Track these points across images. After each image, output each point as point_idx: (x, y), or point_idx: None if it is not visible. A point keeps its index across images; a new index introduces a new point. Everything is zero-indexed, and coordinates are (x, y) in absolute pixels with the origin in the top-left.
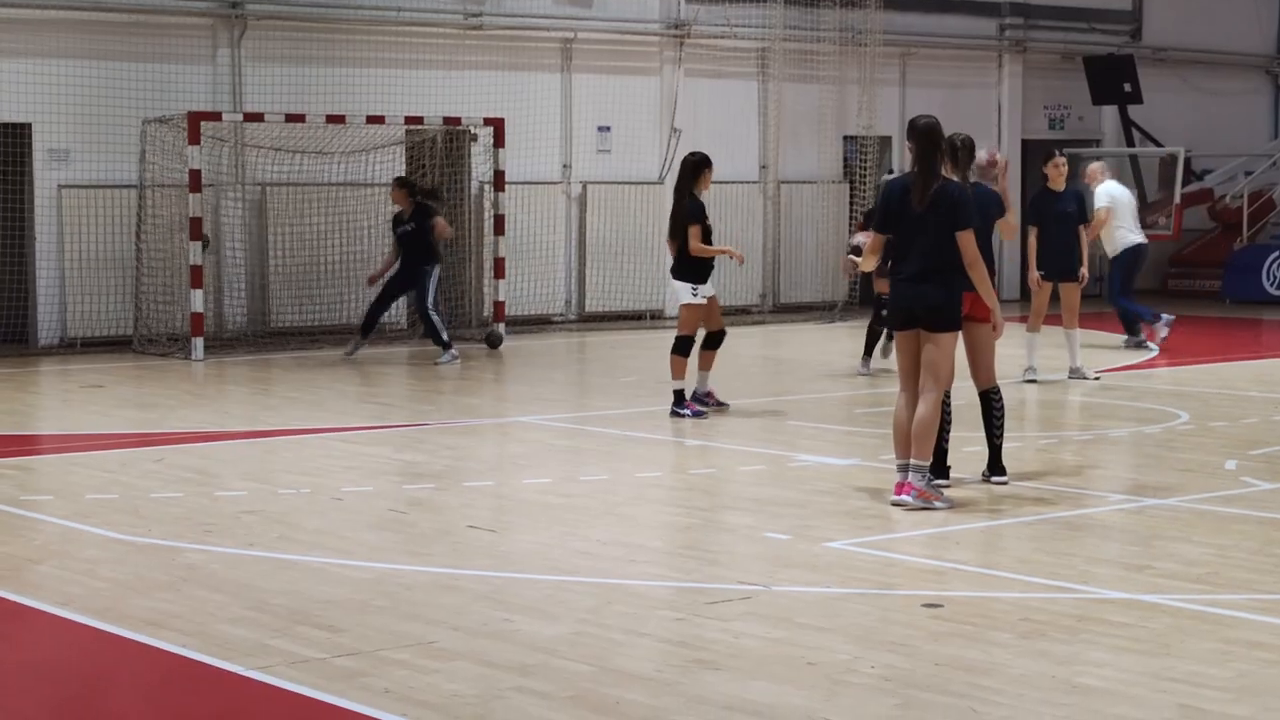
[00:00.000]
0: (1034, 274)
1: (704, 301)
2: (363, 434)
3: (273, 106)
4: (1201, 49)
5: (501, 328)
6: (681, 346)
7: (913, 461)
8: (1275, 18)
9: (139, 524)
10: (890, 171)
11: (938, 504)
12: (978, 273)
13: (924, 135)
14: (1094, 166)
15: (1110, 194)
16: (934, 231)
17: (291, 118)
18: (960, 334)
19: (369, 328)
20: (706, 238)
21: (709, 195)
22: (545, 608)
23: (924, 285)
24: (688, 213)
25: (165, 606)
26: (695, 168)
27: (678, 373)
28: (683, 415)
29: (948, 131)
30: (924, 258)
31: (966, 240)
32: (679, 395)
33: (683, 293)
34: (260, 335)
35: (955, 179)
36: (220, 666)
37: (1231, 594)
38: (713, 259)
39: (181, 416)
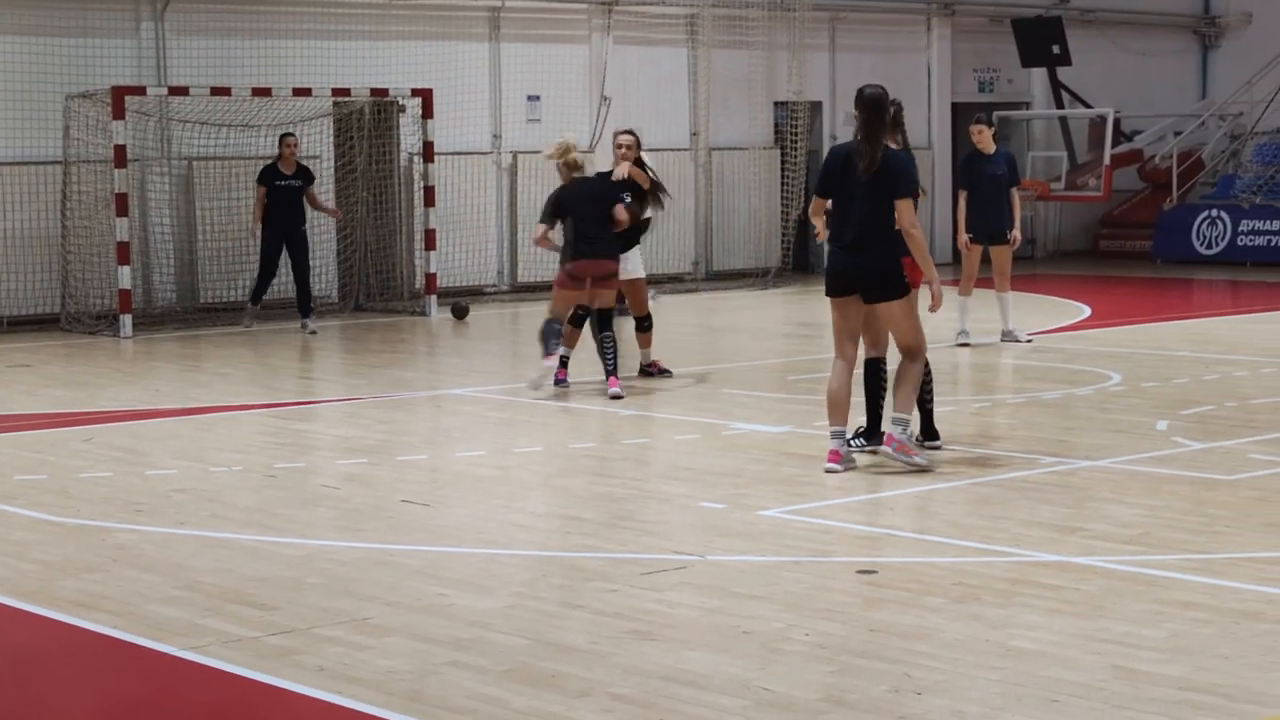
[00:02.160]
0: (963, 237)
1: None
2: (295, 409)
3: (198, 80)
4: (1129, 10)
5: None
6: (571, 316)
7: (894, 415)
8: None
9: (68, 504)
10: (834, 139)
11: (917, 458)
12: (915, 242)
13: (870, 104)
14: None
15: None
16: (875, 200)
17: (217, 91)
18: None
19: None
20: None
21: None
22: (480, 581)
23: (863, 254)
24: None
25: (95, 587)
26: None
27: (565, 340)
28: (555, 381)
29: None
30: (863, 226)
31: (905, 207)
32: (561, 360)
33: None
34: (189, 311)
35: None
36: (152, 647)
37: (1164, 554)
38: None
39: (110, 395)
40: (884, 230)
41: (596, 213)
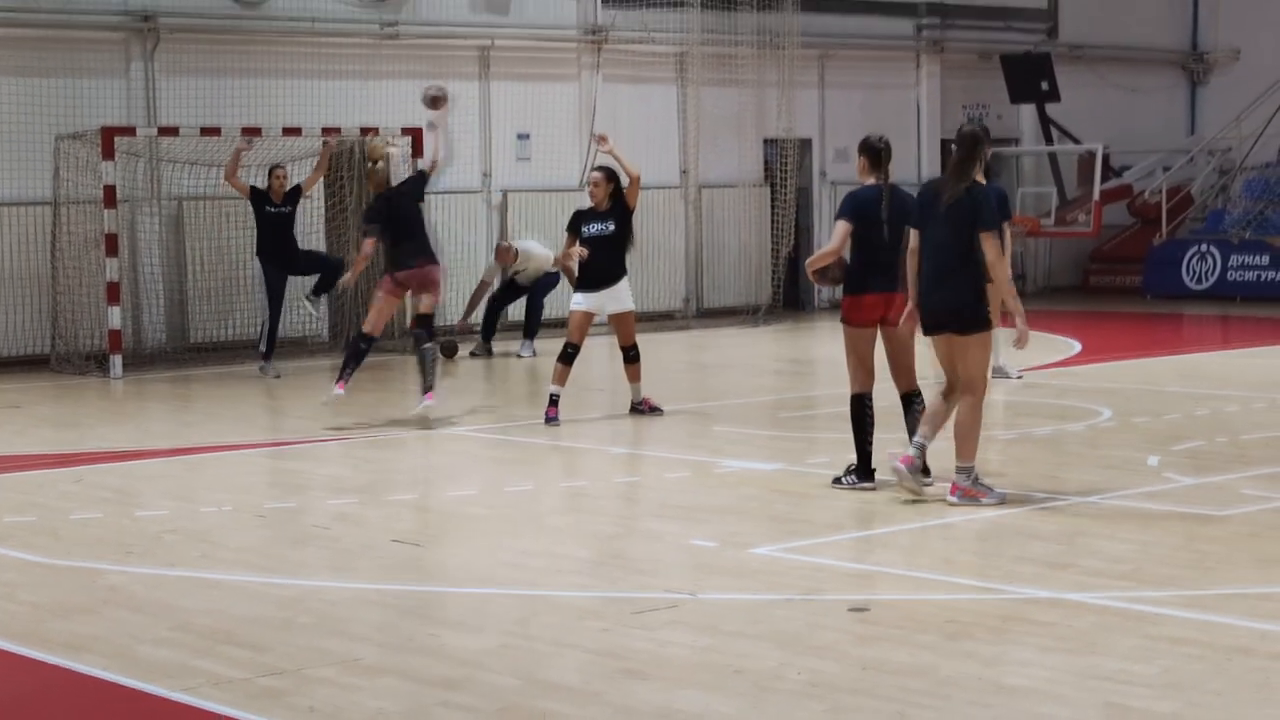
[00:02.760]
0: None
1: (574, 307)
2: (285, 449)
3: (188, 120)
4: (1118, 46)
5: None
6: (562, 354)
7: (957, 464)
8: (1189, 13)
9: (58, 545)
10: (823, 175)
11: (984, 500)
12: (999, 274)
13: (966, 141)
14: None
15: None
16: (956, 232)
17: (207, 131)
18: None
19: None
20: (584, 244)
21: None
22: (471, 621)
23: (943, 289)
24: None
25: (86, 629)
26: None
27: (555, 378)
28: (546, 420)
29: (864, 133)
30: (942, 259)
31: (987, 241)
32: (552, 398)
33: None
34: (180, 351)
35: (873, 180)
36: (143, 689)
37: (1155, 590)
38: (583, 259)
39: (100, 435)
40: (963, 263)
41: (406, 217)
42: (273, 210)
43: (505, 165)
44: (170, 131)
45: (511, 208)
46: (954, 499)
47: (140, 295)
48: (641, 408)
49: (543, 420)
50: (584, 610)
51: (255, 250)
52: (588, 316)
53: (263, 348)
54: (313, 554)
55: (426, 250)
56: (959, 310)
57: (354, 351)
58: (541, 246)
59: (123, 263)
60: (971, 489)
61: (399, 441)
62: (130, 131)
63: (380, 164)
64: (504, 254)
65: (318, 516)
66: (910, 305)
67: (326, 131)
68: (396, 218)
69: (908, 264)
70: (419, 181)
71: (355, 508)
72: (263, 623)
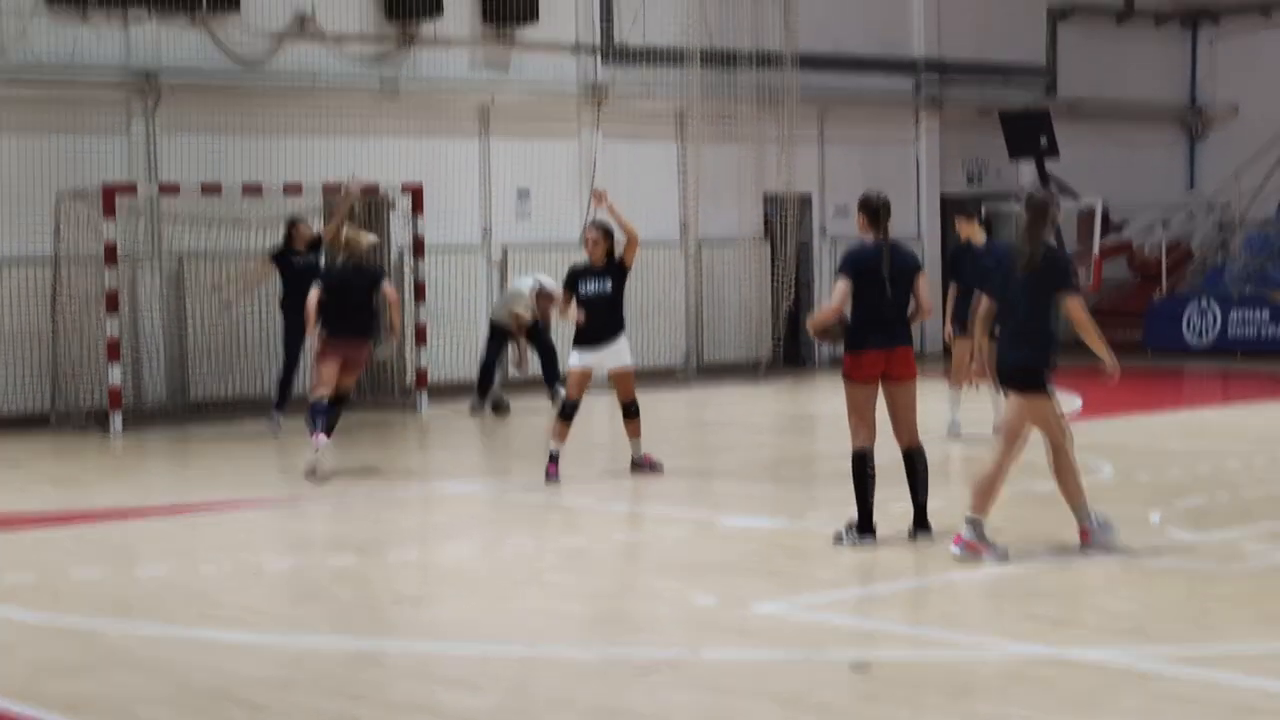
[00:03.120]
0: (947, 330)
1: (580, 366)
2: (284, 506)
3: (188, 177)
4: (1116, 102)
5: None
6: (562, 411)
7: (966, 514)
8: (1187, 69)
9: (57, 604)
10: (823, 230)
11: (986, 555)
12: (1087, 330)
13: (1035, 206)
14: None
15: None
16: (1033, 296)
17: (208, 188)
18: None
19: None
20: (578, 303)
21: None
22: (471, 679)
23: (1019, 350)
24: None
25: (85, 688)
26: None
27: (555, 435)
28: (546, 478)
29: (864, 189)
30: (1021, 323)
31: (1071, 301)
32: (552, 456)
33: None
34: (180, 408)
35: (872, 237)
36: None
37: (1159, 647)
38: (581, 324)
39: (100, 493)
40: (1039, 325)
41: (357, 294)
42: (299, 261)
43: (505, 221)
44: (171, 189)
45: (512, 263)
46: (956, 550)
47: (141, 352)
48: (642, 464)
49: (543, 478)
50: (584, 669)
51: (280, 302)
52: (586, 374)
53: (275, 397)
54: (312, 612)
55: (366, 329)
56: (1029, 370)
57: (316, 410)
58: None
59: (123, 320)
60: (975, 542)
61: (399, 499)
62: (131, 189)
63: (363, 244)
64: (550, 302)
65: (317, 574)
66: (976, 365)
67: (328, 188)
68: (348, 291)
69: (976, 327)
70: (376, 275)
71: (355, 565)
72: (262, 682)
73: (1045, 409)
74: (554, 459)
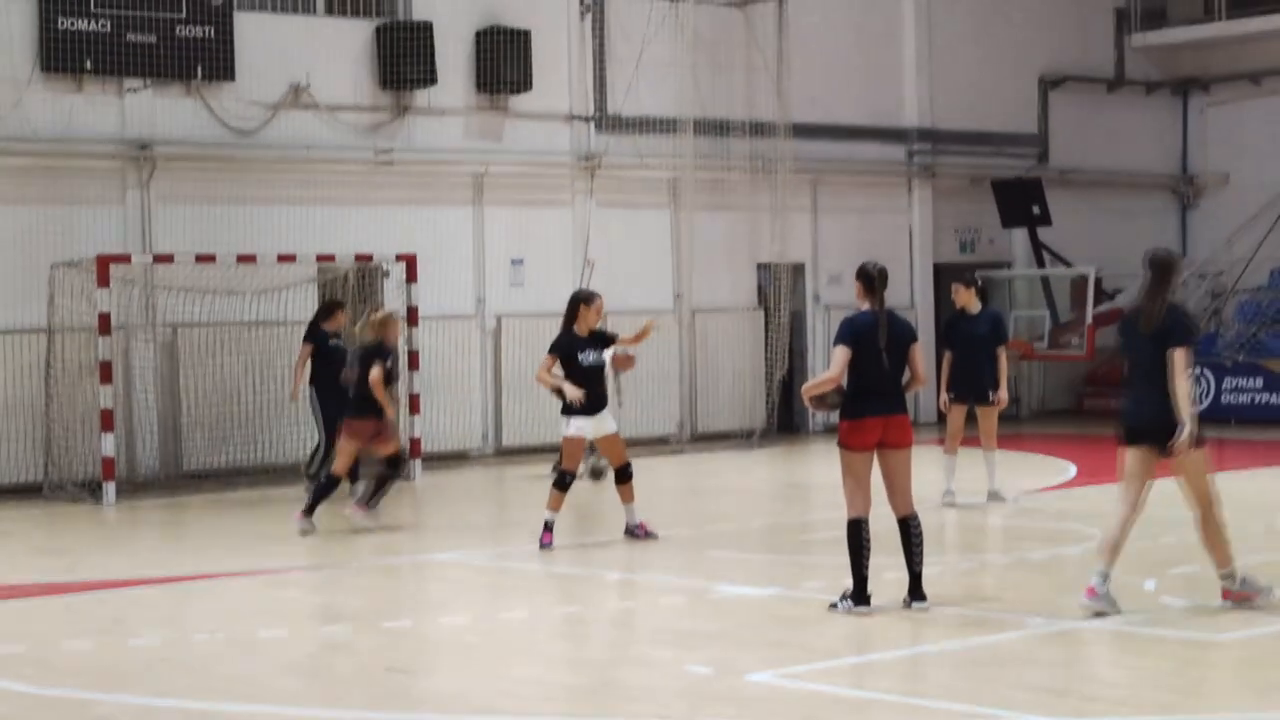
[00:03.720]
0: (943, 397)
1: (575, 434)
2: (278, 576)
3: (182, 247)
4: (1108, 170)
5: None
6: (559, 480)
7: (1218, 573)
8: (1178, 138)
9: (48, 675)
10: (817, 299)
11: (1257, 601)
12: (1180, 388)
13: (1158, 265)
14: None
15: None
16: (1158, 353)
17: (202, 258)
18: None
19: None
20: (574, 372)
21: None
22: None
23: (1152, 407)
24: (551, 345)
25: None
26: (573, 304)
27: (551, 504)
28: (541, 546)
29: (857, 257)
30: (1149, 379)
31: (1178, 355)
32: (545, 524)
33: (562, 425)
34: (173, 478)
35: (868, 306)
36: None
37: (1152, 717)
38: (591, 393)
39: (93, 563)
40: (1168, 381)
41: (360, 375)
42: (334, 344)
43: (499, 290)
44: (165, 259)
45: (505, 333)
46: (1230, 603)
47: (134, 423)
48: (637, 532)
49: (537, 546)
50: None
51: (313, 382)
52: (583, 443)
53: (313, 469)
54: (305, 683)
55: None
56: (1166, 428)
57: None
58: None
59: (117, 390)
60: (1239, 592)
61: (391, 569)
62: (125, 259)
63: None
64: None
65: (310, 645)
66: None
67: (321, 258)
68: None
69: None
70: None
71: (347, 635)
72: None
73: (1199, 463)
74: (549, 528)
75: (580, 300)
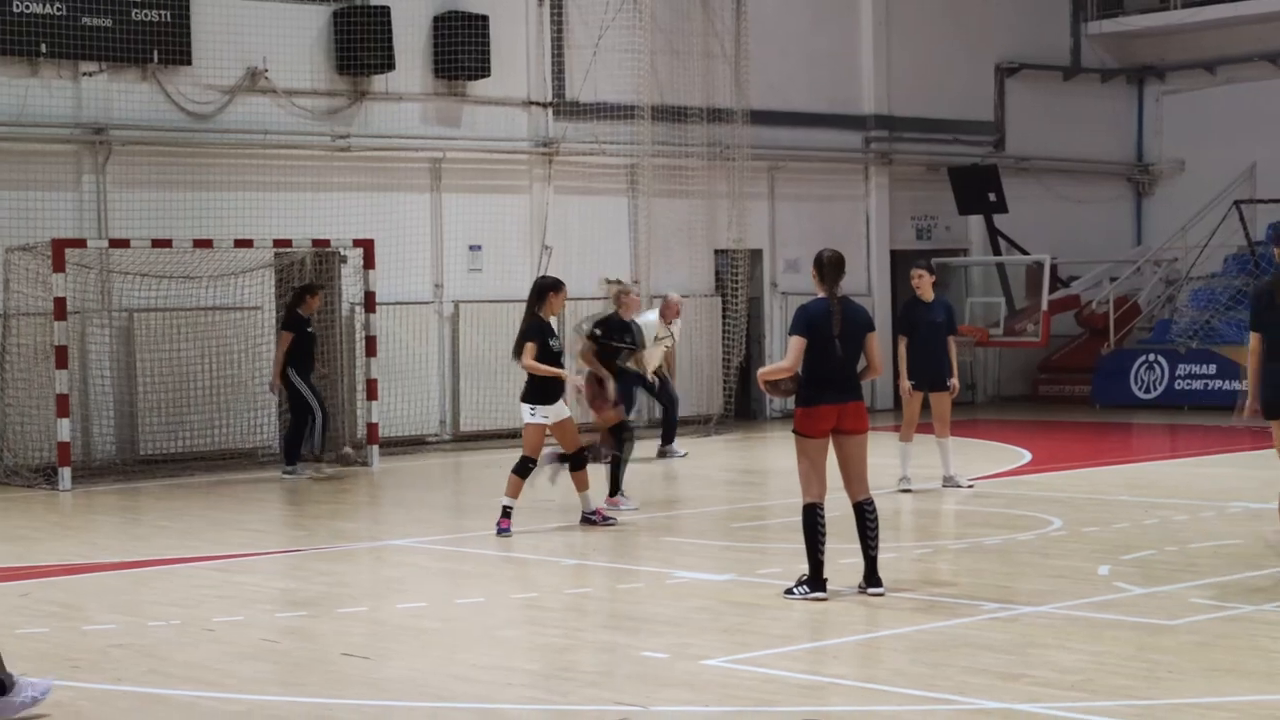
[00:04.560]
0: (904, 384)
1: (544, 421)
2: (234, 562)
3: (139, 232)
4: (1064, 158)
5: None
6: (520, 466)
7: None
8: (1134, 126)
9: (4, 661)
10: (774, 285)
11: None
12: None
13: None
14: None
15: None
16: None
17: (158, 243)
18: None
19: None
20: (548, 358)
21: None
22: None
23: None
24: (525, 332)
25: None
26: (540, 292)
27: (510, 490)
28: (498, 531)
29: (814, 243)
30: None
31: None
32: (504, 510)
33: (523, 413)
34: (130, 463)
35: (824, 294)
36: None
37: (1106, 701)
38: (560, 382)
39: (48, 549)
40: None
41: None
42: (310, 331)
43: (457, 276)
44: (121, 244)
45: (463, 318)
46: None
47: (90, 408)
48: (594, 519)
49: (494, 532)
50: None
51: (292, 364)
52: (545, 430)
53: (315, 446)
54: (262, 668)
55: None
56: None
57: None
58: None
59: (73, 375)
60: None
61: (349, 554)
62: (81, 243)
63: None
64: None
65: (267, 630)
66: (1249, 404)
67: (278, 243)
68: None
69: (1248, 364)
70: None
71: (305, 621)
72: None
73: None
74: (507, 514)
75: (549, 288)
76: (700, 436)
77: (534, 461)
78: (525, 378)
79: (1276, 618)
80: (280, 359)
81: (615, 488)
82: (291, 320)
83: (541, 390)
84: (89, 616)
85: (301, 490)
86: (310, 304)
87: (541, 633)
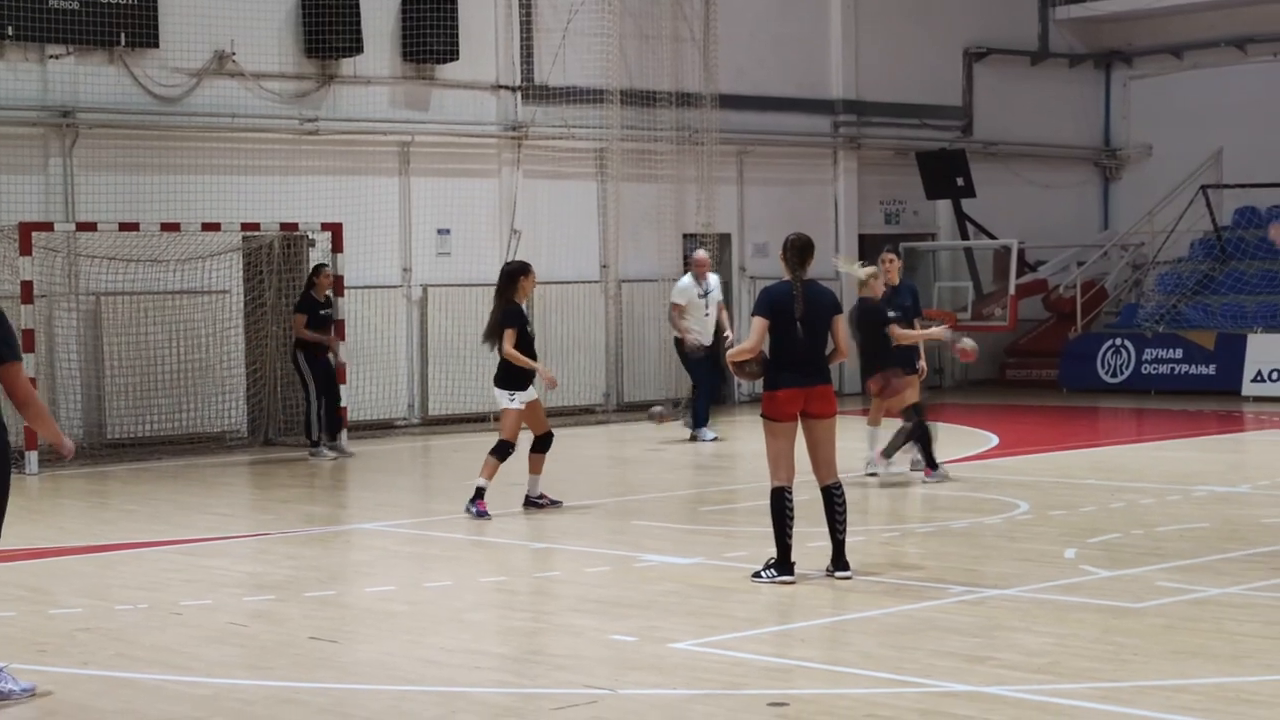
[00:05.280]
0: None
1: (522, 407)
2: (202, 546)
3: (106, 215)
4: (1031, 143)
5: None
6: (500, 450)
7: None
8: (1101, 110)
9: None
10: (743, 270)
11: None
12: None
13: None
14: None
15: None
16: None
17: (125, 226)
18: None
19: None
20: (525, 343)
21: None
22: (388, 719)
23: None
24: (503, 318)
25: None
26: (511, 276)
27: (485, 470)
28: (470, 512)
29: (782, 228)
30: None
31: None
32: (478, 490)
33: (500, 398)
34: (97, 447)
35: (790, 277)
36: None
37: (1072, 683)
38: (518, 374)
39: (14, 533)
40: None
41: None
42: (323, 312)
43: (425, 260)
44: (88, 227)
45: (431, 302)
46: None
47: (57, 391)
48: (540, 502)
49: (466, 513)
50: (502, 707)
51: (301, 347)
52: (522, 414)
53: (318, 435)
54: (229, 652)
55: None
56: None
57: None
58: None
59: (40, 359)
60: None
61: (317, 538)
62: (48, 227)
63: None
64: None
65: (234, 614)
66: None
67: (246, 227)
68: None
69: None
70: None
71: (272, 605)
72: None
73: None
74: (481, 495)
75: (519, 272)
76: (669, 421)
77: (513, 446)
78: (498, 363)
79: (1241, 600)
80: (305, 337)
81: (931, 462)
82: (304, 302)
83: (519, 376)
84: (56, 600)
85: (269, 474)
86: (321, 285)
87: (509, 616)
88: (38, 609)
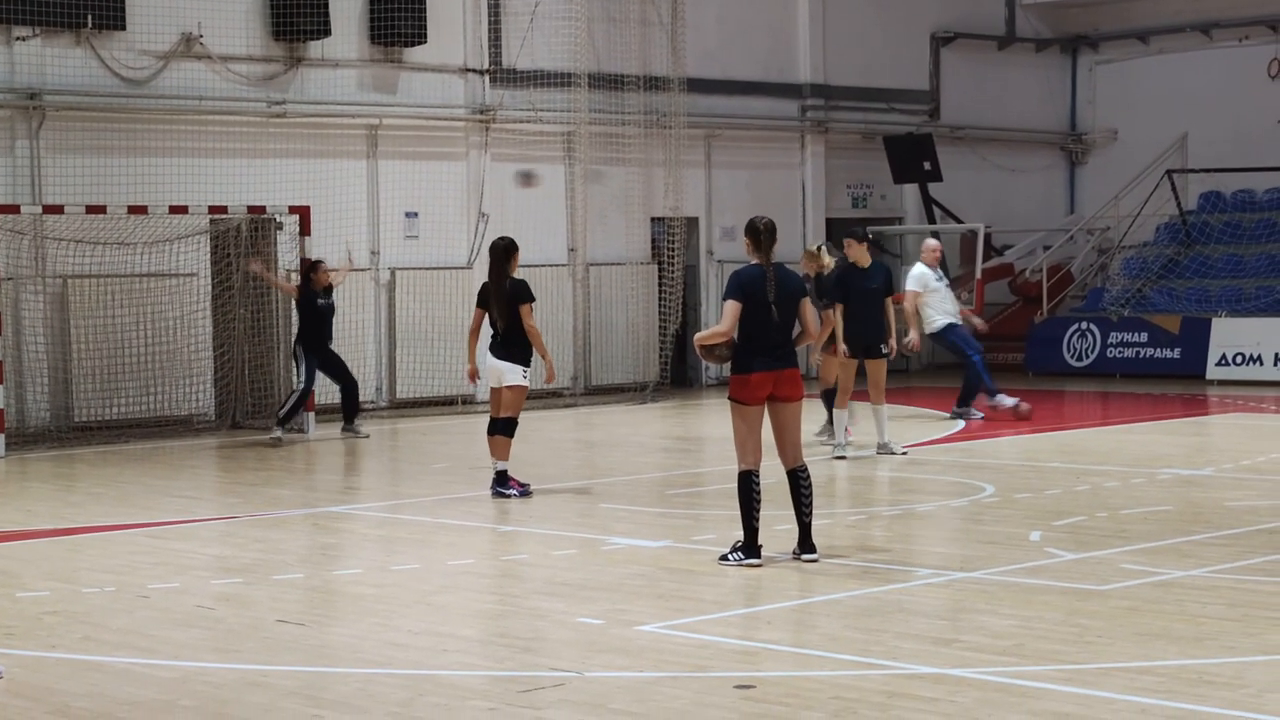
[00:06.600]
0: (841, 349)
1: (526, 383)
2: (169, 529)
3: (73, 198)
4: (998, 127)
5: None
6: (508, 428)
7: None
8: (1068, 95)
9: None
10: (710, 253)
11: None
12: None
13: None
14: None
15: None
16: None
17: (92, 209)
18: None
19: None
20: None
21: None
22: (356, 702)
23: None
24: (517, 292)
25: None
26: (507, 251)
27: (500, 452)
28: (507, 495)
29: (750, 211)
30: None
31: None
32: (502, 475)
33: (511, 374)
34: (64, 430)
35: (757, 261)
36: None
37: (1037, 665)
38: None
39: None
40: None
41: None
42: (323, 304)
43: (394, 244)
44: (55, 210)
45: (399, 286)
46: None
47: (24, 374)
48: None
49: (499, 497)
50: (470, 690)
51: (298, 339)
52: (526, 390)
53: (283, 413)
54: (196, 635)
55: None
56: None
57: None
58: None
59: (6, 341)
60: None
61: (284, 521)
62: (15, 209)
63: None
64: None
65: (202, 597)
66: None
67: (214, 210)
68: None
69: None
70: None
71: (240, 588)
72: (145, 706)
73: None
74: (506, 476)
75: (515, 247)
76: (636, 404)
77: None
78: (498, 336)
79: (1205, 583)
80: (283, 288)
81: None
82: (303, 294)
83: (529, 350)
84: (23, 583)
85: (236, 457)
86: (319, 279)
87: (477, 599)
88: (4, 592)
